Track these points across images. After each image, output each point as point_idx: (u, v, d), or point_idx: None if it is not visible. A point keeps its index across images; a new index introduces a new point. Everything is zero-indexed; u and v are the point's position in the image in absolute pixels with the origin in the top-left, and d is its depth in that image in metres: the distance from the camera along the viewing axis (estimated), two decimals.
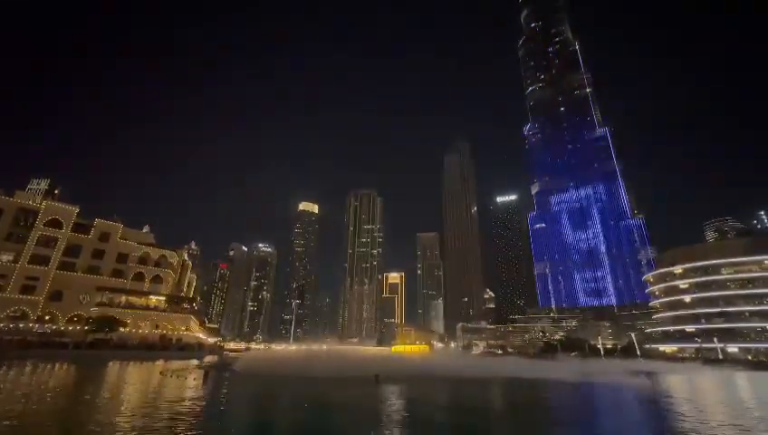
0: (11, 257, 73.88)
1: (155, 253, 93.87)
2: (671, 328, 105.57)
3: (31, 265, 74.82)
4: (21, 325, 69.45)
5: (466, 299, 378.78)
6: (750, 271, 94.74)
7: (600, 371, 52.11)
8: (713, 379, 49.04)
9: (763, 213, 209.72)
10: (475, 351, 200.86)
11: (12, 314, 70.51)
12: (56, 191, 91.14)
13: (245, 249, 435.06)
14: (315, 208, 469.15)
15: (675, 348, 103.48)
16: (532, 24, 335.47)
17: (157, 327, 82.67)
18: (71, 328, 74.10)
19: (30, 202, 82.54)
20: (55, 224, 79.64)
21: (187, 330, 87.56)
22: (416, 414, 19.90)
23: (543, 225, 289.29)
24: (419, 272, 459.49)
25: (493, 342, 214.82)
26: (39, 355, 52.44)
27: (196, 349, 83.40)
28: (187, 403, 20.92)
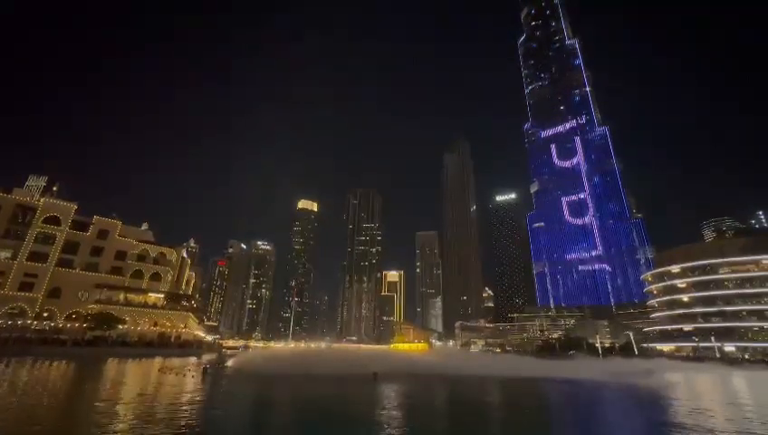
0: (9, 254, 73.68)
1: (153, 250, 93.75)
2: (669, 327, 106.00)
3: (29, 263, 74.62)
4: (19, 322, 69.35)
5: (465, 298, 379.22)
6: (748, 270, 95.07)
7: (627, 370, 50.41)
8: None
9: (761, 213, 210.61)
10: (474, 349, 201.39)
11: (10, 312, 70.38)
12: (54, 188, 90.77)
13: (244, 247, 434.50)
14: (314, 207, 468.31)
15: (672, 347, 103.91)
16: (533, 23, 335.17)
17: (155, 325, 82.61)
18: (69, 325, 73.98)
19: (28, 199, 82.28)
20: (53, 221, 79.39)
21: (185, 327, 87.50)
22: (421, 415, 19.91)
23: (542, 224, 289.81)
24: (418, 270, 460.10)
25: (491, 340, 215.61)
26: (37, 352, 52.42)
27: (194, 346, 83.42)
28: (186, 401, 20.93)
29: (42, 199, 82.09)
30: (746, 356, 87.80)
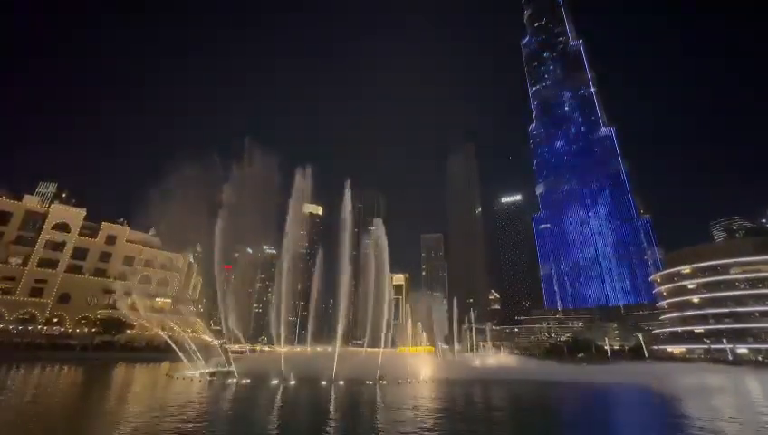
0: (20, 260, 74.81)
1: (161, 256, 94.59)
2: (679, 329, 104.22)
3: (39, 269, 75.71)
4: (29, 328, 70.25)
5: (471, 300, 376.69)
6: (759, 270, 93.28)
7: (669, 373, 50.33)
8: None
9: None
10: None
11: (21, 317, 71.34)
12: (64, 195, 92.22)
13: (250, 251, 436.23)
14: (319, 210, 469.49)
15: (683, 349, 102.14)
16: (536, 25, 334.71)
17: (163, 329, 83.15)
18: (78, 330, 74.79)
19: (38, 206, 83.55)
20: (63, 227, 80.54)
21: (193, 332, 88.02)
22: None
23: (548, 225, 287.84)
24: (424, 273, 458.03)
25: (498, 343, 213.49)
26: (47, 357, 53.01)
27: (202, 351, 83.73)
28: (193, 405, 20.99)
29: (51, 206, 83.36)
30: (759, 358, 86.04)
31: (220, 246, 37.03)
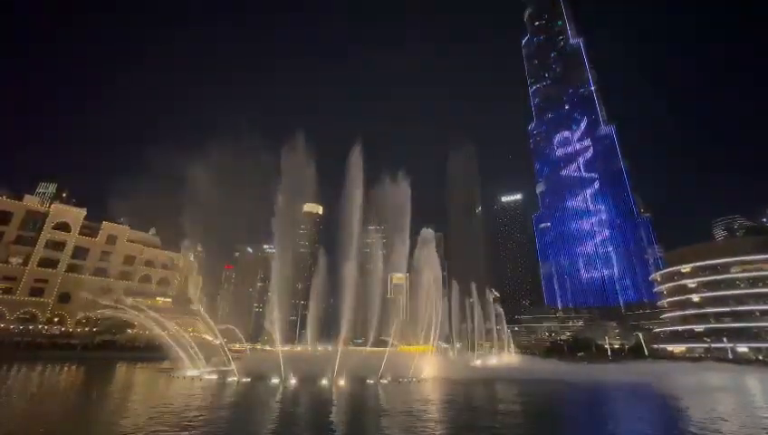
0: (20, 260, 74.79)
1: (161, 255, 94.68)
2: (680, 328, 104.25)
3: (40, 268, 75.69)
4: (30, 327, 70.32)
5: (471, 300, 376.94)
6: (760, 269, 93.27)
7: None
8: None
9: None
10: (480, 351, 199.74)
11: (21, 317, 71.39)
12: (64, 195, 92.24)
13: (251, 251, 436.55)
14: (319, 210, 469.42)
15: (683, 348, 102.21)
16: (536, 23, 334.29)
17: (163, 329, 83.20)
18: (79, 330, 74.86)
19: (38, 205, 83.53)
20: (63, 227, 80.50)
21: (193, 331, 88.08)
22: None
23: (549, 224, 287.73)
24: None
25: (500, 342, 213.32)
26: (48, 357, 53.12)
27: (202, 350, 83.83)
28: (194, 404, 21.03)
29: (51, 206, 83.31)
30: (760, 357, 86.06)
31: (191, 220, 35.98)
